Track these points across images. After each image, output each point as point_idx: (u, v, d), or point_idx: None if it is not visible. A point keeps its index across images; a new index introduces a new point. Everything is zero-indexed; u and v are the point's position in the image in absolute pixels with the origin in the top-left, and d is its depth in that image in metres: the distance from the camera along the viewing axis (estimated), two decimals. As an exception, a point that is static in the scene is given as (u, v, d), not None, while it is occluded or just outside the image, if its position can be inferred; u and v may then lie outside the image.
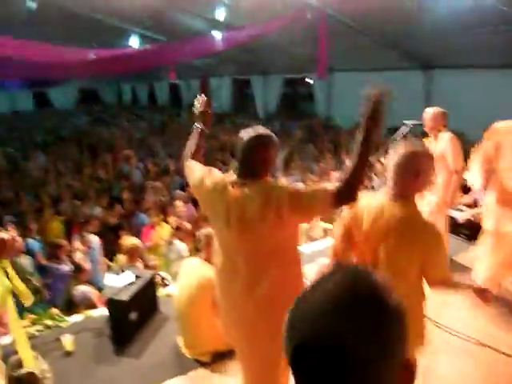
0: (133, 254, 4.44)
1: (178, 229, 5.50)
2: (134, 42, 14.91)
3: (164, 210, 6.29)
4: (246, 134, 2.09)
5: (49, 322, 3.70)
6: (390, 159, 2.10)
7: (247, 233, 2.00)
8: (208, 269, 3.14)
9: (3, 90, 19.23)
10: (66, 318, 3.86)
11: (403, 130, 4.64)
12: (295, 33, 10.38)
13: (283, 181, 2.12)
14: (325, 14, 8.92)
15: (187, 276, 3.21)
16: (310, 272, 3.80)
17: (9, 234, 1.73)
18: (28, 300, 2.80)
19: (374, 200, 2.10)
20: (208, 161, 2.47)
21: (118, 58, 11.17)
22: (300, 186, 2.03)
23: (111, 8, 12.17)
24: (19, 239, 1.70)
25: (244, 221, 1.98)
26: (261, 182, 2.03)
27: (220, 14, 11.48)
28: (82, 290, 4.29)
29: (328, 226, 5.99)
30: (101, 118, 19.31)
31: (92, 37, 13.22)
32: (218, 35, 10.54)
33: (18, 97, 24.24)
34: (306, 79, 15.64)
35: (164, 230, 5.74)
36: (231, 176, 2.11)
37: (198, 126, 2.45)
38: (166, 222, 5.88)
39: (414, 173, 2.02)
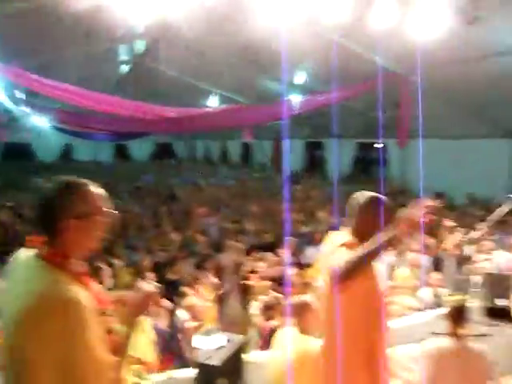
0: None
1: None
2: (214, 102, 15.63)
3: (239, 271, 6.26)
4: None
5: (134, 379, 3.62)
6: None
7: None
8: (305, 341, 2.98)
9: (88, 139, 20.56)
10: (149, 376, 3.77)
11: (509, 204, 4.39)
12: (371, 97, 10.45)
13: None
14: (407, 80, 8.93)
15: (282, 348, 3.05)
16: (410, 354, 3.52)
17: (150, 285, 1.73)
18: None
19: None
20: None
21: (196, 116, 11.71)
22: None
23: (196, 70, 12.96)
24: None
25: None
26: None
27: (299, 78, 11.84)
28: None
29: (408, 301, 5.61)
30: (175, 172, 20.06)
31: (175, 96, 14.01)
32: (296, 99, 10.77)
33: (100, 147, 25.90)
34: (376, 145, 15.59)
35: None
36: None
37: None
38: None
39: None
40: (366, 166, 16.40)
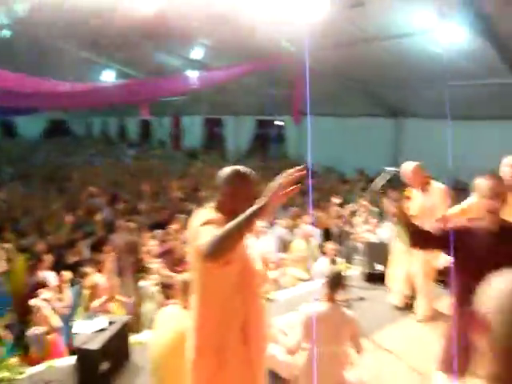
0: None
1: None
2: (110, 77, 14.85)
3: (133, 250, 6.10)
4: None
5: (5, 374, 3.36)
6: None
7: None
8: (186, 318, 2.95)
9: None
10: (26, 369, 3.53)
11: (384, 176, 4.67)
12: (268, 75, 10.61)
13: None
14: (301, 60, 9.13)
15: (164, 325, 3.01)
16: (291, 322, 3.68)
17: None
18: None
19: None
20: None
21: (90, 91, 11.05)
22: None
23: (87, 41, 12.16)
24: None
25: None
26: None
27: (197, 54, 11.64)
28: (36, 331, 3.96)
29: (298, 273, 5.86)
30: (70, 150, 18.90)
31: (66, 69, 13.06)
32: (193, 74, 10.59)
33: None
34: (276, 122, 15.94)
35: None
36: None
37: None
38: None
39: None
40: (265, 143, 16.70)
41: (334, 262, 5.97)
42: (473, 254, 2.38)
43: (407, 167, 4.48)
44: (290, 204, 7.97)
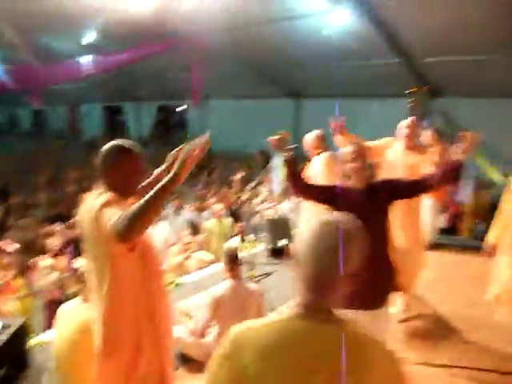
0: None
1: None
2: (-10, 63, 13.60)
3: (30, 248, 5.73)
4: None
5: None
6: None
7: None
8: (87, 310, 2.87)
9: None
10: None
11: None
12: (168, 59, 10.38)
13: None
14: (198, 42, 9.04)
15: (65, 320, 2.89)
16: (196, 303, 3.71)
17: None
18: None
19: None
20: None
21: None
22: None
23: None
24: None
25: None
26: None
27: (90, 38, 11.04)
28: None
29: (204, 255, 5.91)
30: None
31: None
32: (87, 59, 10.09)
33: None
34: (179, 107, 15.71)
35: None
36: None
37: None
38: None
39: None
40: (167, 129, 16.46)
41: (242, 240, 6.11)
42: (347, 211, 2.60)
43: (307, 137, 4.61)
44: (195, 185, 7.96)
